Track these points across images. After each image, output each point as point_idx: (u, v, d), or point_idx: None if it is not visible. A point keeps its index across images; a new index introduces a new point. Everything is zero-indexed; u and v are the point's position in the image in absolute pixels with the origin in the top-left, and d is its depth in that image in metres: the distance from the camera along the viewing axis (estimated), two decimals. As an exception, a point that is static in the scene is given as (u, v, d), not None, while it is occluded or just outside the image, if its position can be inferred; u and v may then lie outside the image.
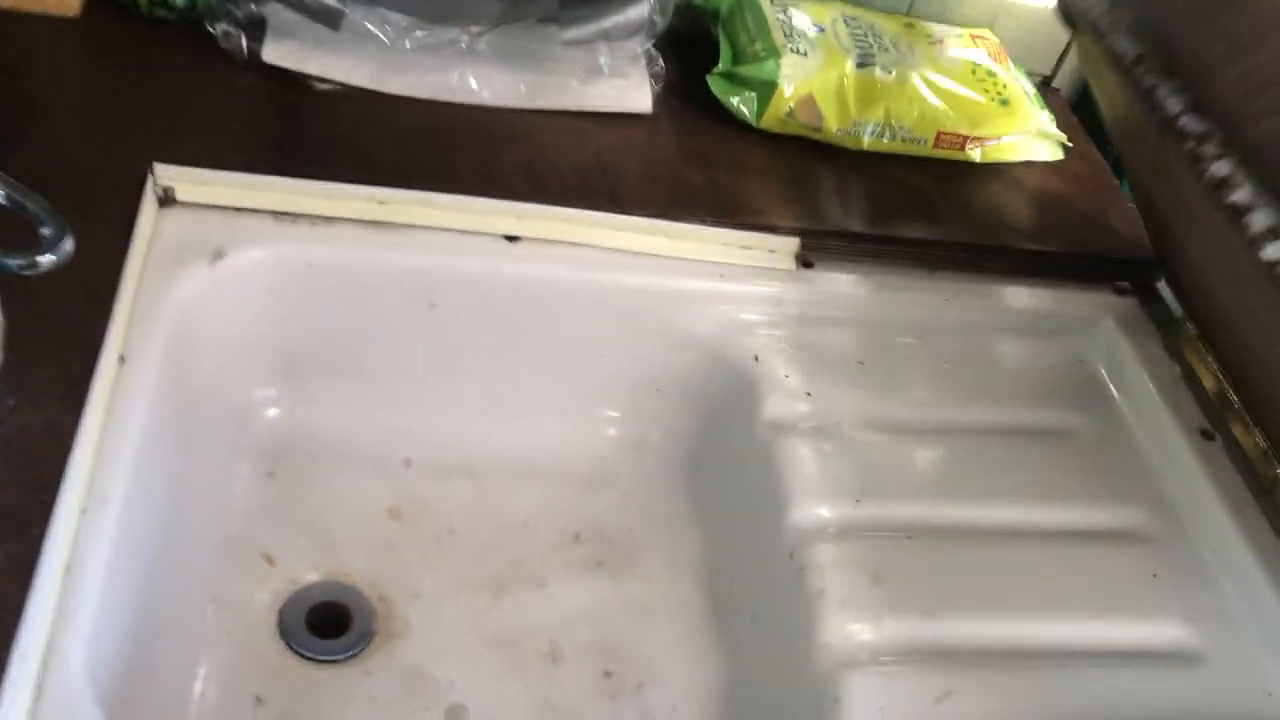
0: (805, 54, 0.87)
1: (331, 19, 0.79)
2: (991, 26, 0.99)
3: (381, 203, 0.75)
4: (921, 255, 0.85)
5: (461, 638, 0.72)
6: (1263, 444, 0.76)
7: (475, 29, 0.80)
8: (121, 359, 0.63)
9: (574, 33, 0.81)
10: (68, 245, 0.54)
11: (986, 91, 0.91)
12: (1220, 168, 0.59)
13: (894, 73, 0.89)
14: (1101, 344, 0.84)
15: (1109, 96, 0.77)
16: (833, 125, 0.87)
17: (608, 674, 0.72)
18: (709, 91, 0.89)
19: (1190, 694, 0.65)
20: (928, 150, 0.90)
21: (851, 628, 0.64)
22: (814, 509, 0.70)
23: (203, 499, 0.72)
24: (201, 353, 0.72)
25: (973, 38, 0.95)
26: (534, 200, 0.78)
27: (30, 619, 0.51)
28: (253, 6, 0.80)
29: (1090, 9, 0.72)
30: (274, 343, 0.76)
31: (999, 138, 0.91)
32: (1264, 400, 0.74)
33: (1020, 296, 0.85)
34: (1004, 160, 0.92)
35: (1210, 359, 0.82)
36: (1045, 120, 0.92)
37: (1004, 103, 0.91)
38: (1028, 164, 0.93)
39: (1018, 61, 0.98)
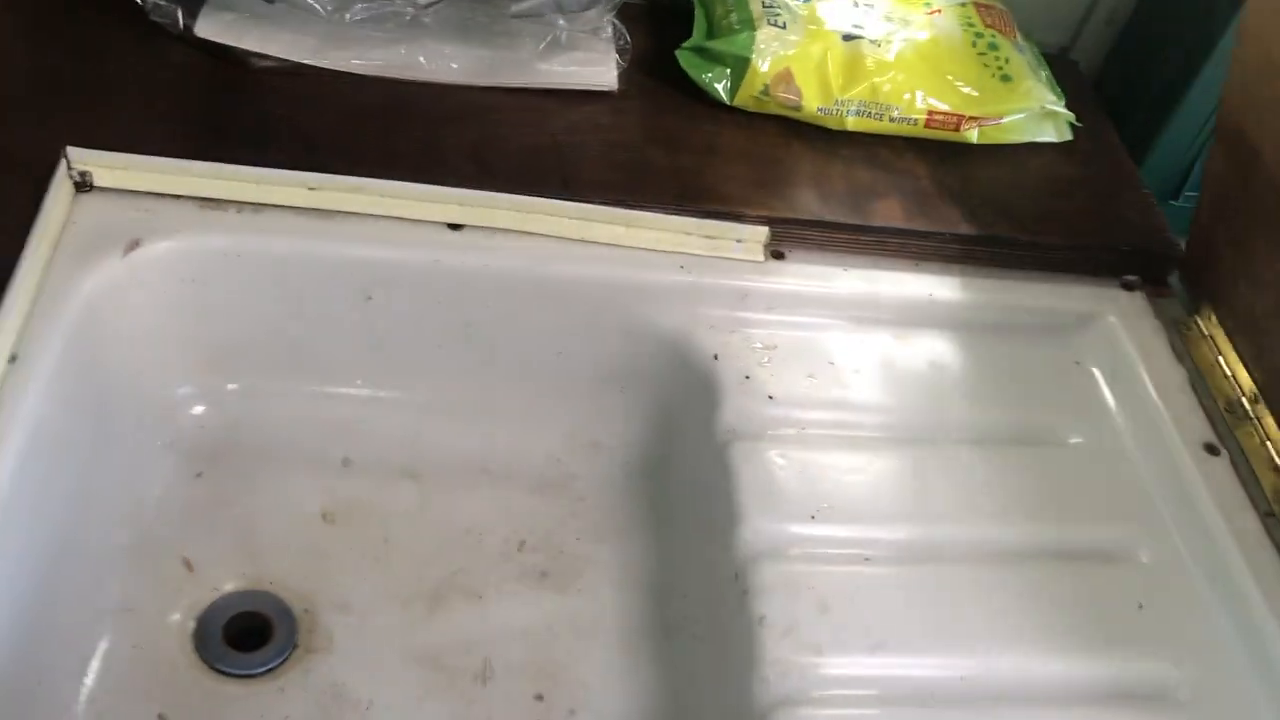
0: (784, 26, 0.80)
1: (266, -12, 0.74)
2: (1000, -7, 0.91)
3: (313, 189, 0.71)
4: (905, 246, 0.78)
5: (387, 654, 0.68)
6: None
7: (420, 0, 0.75)
8: (13, 357, 0.60)
9: (524, 4, 0.75)
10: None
11: (986, 67, 0.84)
12: None
13: (884, 46, 0.82)
14: (1102, 344, 0.77)
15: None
16: (813, 104, 0.81)
17: (539, 697, 0.67)
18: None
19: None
20: (919, 131, 0.82)
21: (790, 661, 0.58)
22: (765, 525, 0.65)
23: (116, 502, 0.68)
24: (117, 348, 0.68)
25: (975, 6, 0.88)
26: (479, 186, 0.73)
27: None
28: (188, -25, 0.75)
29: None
30: (200, 337, 0.72)
31: (999, 118, 0.83)
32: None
33: (1014, 291, 0.78)
34: (1005, 142, 0.84)
35: (1224, 360, 0.74)
36: (1052, 98, 0.85)
37: (1005, 79, 0.83)
38: (1032, 145, 0.86)
39: (1030, 32, 0.91)
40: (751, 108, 0.82)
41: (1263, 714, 0.60)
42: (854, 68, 0.81)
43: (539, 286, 0.73)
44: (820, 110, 0.81)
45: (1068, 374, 0.76)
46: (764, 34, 0.79)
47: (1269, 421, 0.71)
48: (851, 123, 0.81)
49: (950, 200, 0.80)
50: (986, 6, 0.88)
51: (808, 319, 0.75)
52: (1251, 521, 0.66)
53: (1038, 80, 0.85)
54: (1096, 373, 0.76)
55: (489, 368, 0.76)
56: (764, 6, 0.82)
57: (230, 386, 0.73)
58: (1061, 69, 0.91)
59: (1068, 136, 0.87)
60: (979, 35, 0.85)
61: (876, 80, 0.81)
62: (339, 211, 0.71)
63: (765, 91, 0.80)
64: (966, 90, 0.82)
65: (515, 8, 0.75)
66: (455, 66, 0.77)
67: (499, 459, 0.77)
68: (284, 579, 0.70)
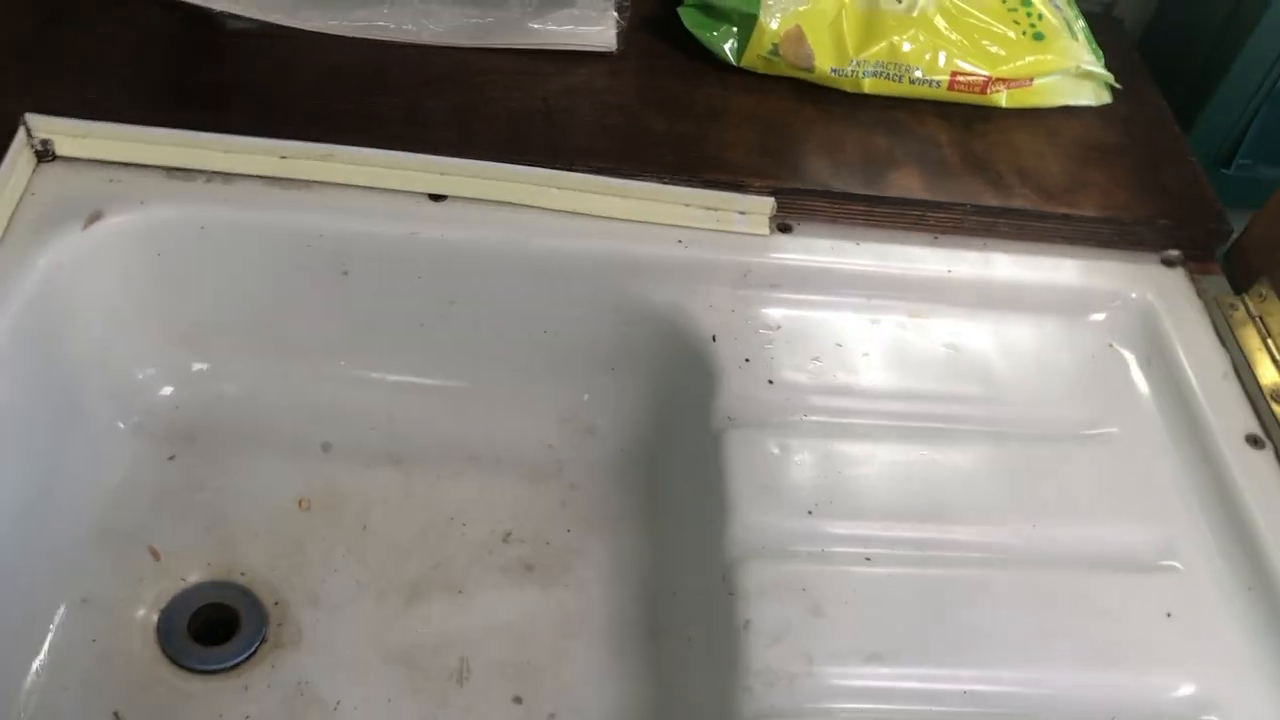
0: (797, -20, 0.75)
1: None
2: (1036, -55, 0.84)
3: (284, 157, 0.67)
4: (923, 219, 0.72)
5: (359, 651, 0.64)
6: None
7: (402, -44, 0.71)
8: (-41, 337, 0.57)
9: (512, -41, 0.70)
10: None
11: (1018, 24, 0.77)
12: None
13: (904, 2, 0.76)
14: (1138, 325, 0.71)
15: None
16: (826, 65, 0.75)
17: (517, 699, 0.63)
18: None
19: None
20: (941, 94, 0.76)
21: (778, 671, 0.54)
22: (757, 520, 0.60)
23: (80, 487, 0.65)
24: (79, 326, 0.64)
25: (1008, -41, 0.81)
26: (462, 154, 0.68)
27: None
28: (160, -67, 0.71)
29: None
30: (169, 313, 0.68)
31: (1029, 79, 0.77)
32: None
33: (1042, 268, 0.72)
34: (1037, 106, 0.78)
35: (1274, 344, 0.68)
36: (1089, 58, 0.78)
37: (1038, 37, 0.77)
38: (1067, 110, 0.79)
39: (1068, -14, 0.84)
40: (760, 69, 0.76)
41: (1302, 738, 0.54)
42: (871, 25, 0.75)
43: (525, 261, 0.68)
44: (834, 71, 0.75)
45: (1099, 359, 0.70)
46: (773, -11, 0.74)
47: (1323, 412, 0.65)
48: (868, 85, 0.76)
49: (974, 169, 0.74)
50: (1020, -42, 0.82)
51: (815, 298, 0.70)
52: (1297, 522, 0.61)
53: (1073, 38, 0.78)
54: (1130, 357, 0.70)
55: (475, 347, 0.72)
56: (775, -40, 0.76)
57: (200, 366, 0.70)
58: (1103, 27, 0.84)
59: (1106, 100, 0.80)
60: (1010, -11, 0.79)
61: (896, 39, 0.75)
62: (313, 181, 0.67)
63: (774, 51, 0.74)
64: (994, 50, 0.76)
65: (502, -38, 0.71)
66: (440, 27, 0.73)
67: (487, 444, 0.73)
68: (255, 569, 0.66)
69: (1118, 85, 0.80)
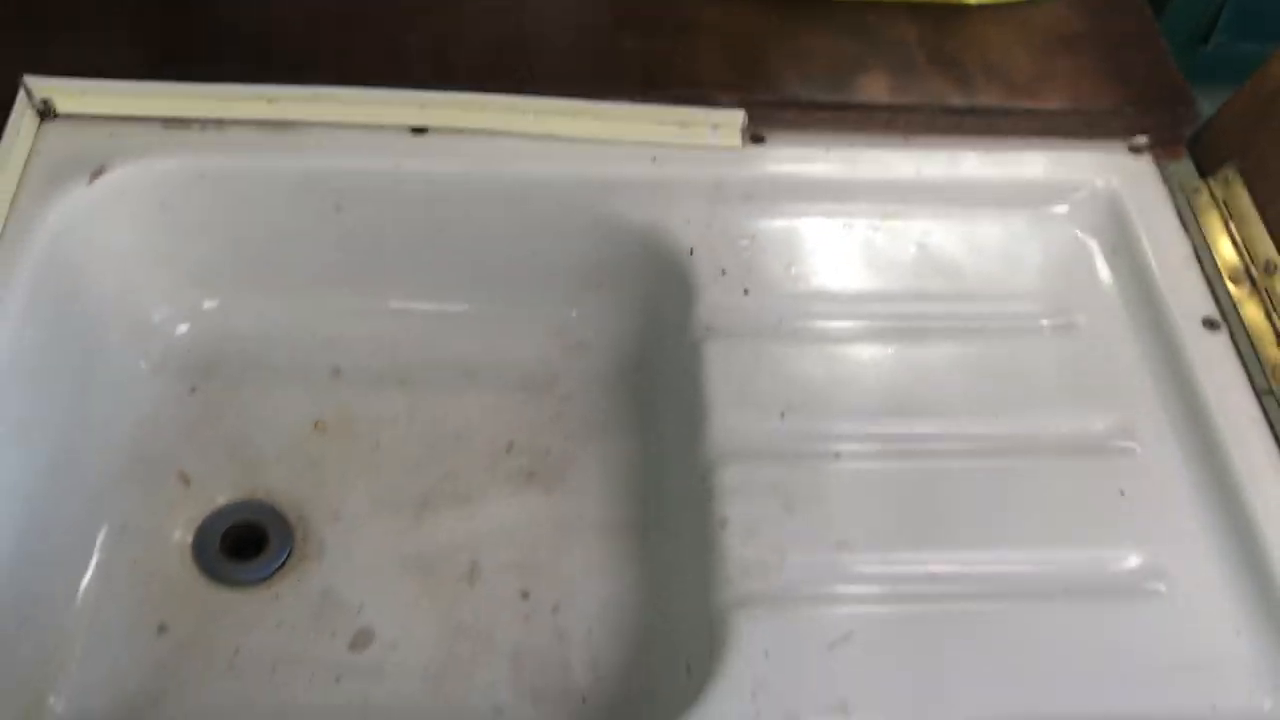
0: (759, -111, 0.75)
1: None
2: None
3: (271, 100, 0.70)
4: (892, 122, 0.74)
5: (378, 560, 0.70)
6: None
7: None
8: (-19, 295, 0.61)
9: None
10: None
11: (984, -84, 0.78)
12: None
13: (869, -97, 0.76)
14: (1103, 214, 0.73)
15: None
16: (792, -27, 0.76)
17: (525, 594, 0.69)
18: (656, -59, 0.78)
19: (1141, 627, 0.58)
20: (909, -6, 0.78)
21: (751, 562, 0.59)
22: (733, 423, 0.64)
23: (110, 425, 0.70)
24: (94, 275, 0.69)
25: None
26: (440, 86, 0.71)
27: None
28: (136, -114, 0.73)
29: None
30: (178, 257, 0.72)
31: (997, -27, 0.78)
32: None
33: (1009, 163, 0.74)
34: (1006, 0, 0.79)
35: (1236, 226, 0.70)
36: (1057, -54, 0.79)
37: (1005, -71, 0.78)
38: (1036, 2, 0.80)
39: None
40: (729, -20, 0.77)
41: (1242, 601, 0.58)
42: (837, -71, 0.76)
43: (506, 188, 0.72)
44: (801, -21, 0.76)
45: (1065, 250, 0.73)
46: (736, -100, 0.75)
47: (1282, 291, 0.67)
48: (835, -10, 0.77)
49: (943, 69, 0.76)
50: None
51: (788, 206, 0.73)
52: (1246, 399, 0.64)
53: (1042, -73, 0.78)
54: (1095, 246, 0.73)
55: (468, 273, 0.76)
56: None
57: (211, 304, 0.74)
58: (1076, -92, 0.84)
59: (1076, -12, 0.81)
60: (977, -120, 0.79)
61: (861, -58, 0.76)
62: (300, 122, 0.70)
63: (740, -37, 0.76)
64: (961, -55, 0.77)
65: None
66: (413, -40, 0.75)
67: (485, 362, 0.77)
68: (278, 489, 0.72)
69: (1087, -28, 0.80)
